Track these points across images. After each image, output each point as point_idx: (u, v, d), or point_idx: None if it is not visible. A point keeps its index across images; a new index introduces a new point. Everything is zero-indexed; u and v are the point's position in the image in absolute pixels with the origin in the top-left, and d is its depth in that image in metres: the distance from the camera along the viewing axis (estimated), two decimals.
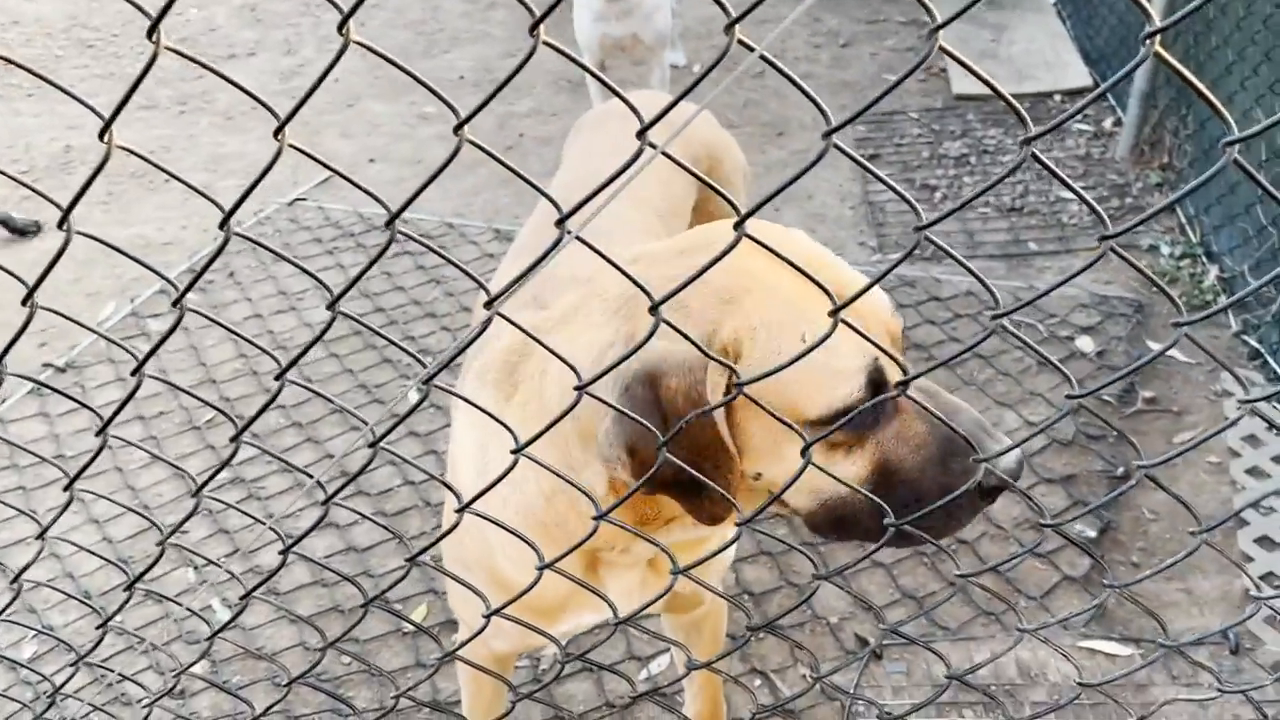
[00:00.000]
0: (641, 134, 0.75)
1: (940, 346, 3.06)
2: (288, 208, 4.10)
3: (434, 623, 2.42)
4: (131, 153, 0.79)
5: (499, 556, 1.39)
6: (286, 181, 4.36)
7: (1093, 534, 2.47)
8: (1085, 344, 3.01)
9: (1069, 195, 3.68)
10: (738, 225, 0.84)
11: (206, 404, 1.06)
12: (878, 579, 2.43)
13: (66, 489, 1.04)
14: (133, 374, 0.94)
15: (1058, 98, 4.29)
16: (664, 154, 0.83)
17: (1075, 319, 3.11)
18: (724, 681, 2.19)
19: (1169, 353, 2.95)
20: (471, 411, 1.44)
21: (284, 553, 1.07)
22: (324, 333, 0.91)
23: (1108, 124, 4.06)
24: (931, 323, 3.16)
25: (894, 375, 1.10)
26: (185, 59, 0.72)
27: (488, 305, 0.84)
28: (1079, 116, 4.11)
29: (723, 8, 0.72)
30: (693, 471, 1.03)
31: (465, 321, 3.37)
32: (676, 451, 1.02)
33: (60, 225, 0.78)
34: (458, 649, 1.36)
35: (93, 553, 1.54)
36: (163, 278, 0.89)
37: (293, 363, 0.92)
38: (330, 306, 0.86)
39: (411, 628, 2.40)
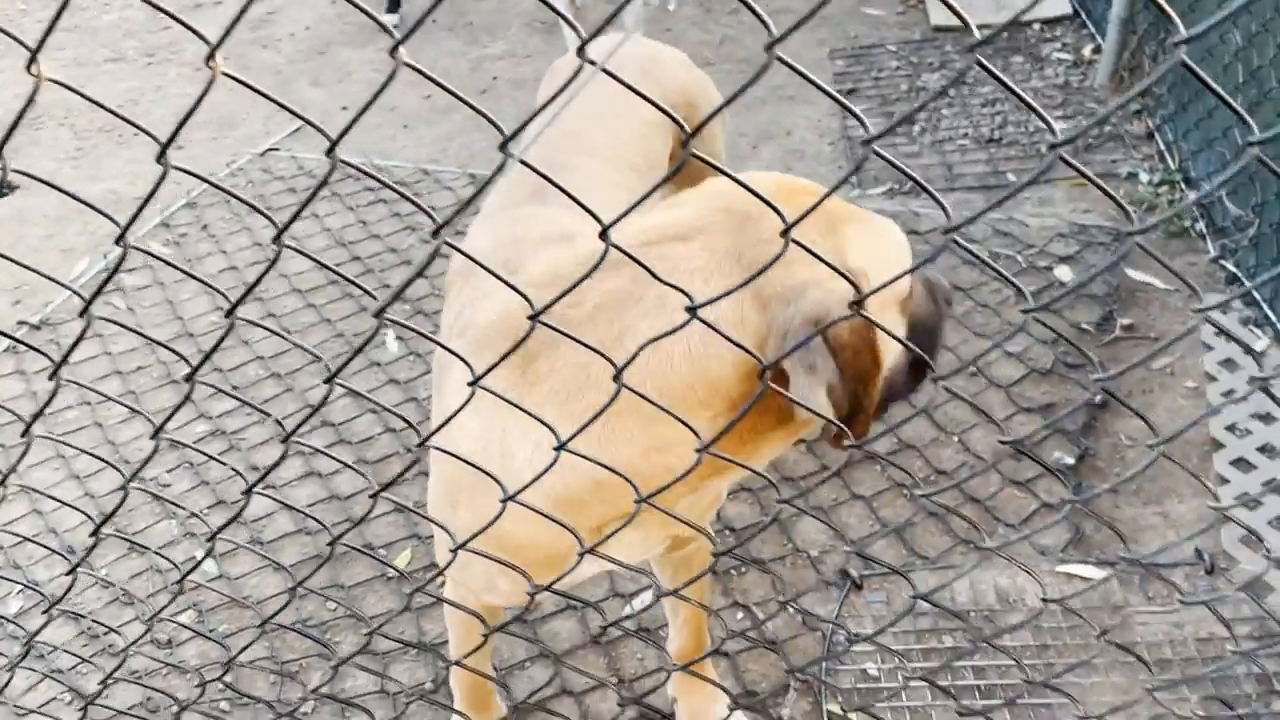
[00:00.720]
0: (581, 50, 0.73)
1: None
2: (260, 158, 4.04)
3: (417, 567, 2.43)
4: (100, 105, 0.78)
5: (506, 523, 1.25)
6: (259, 132, 4.29)
7: (1070, 461, 2.48)
8: (1064, 273, 3.00)
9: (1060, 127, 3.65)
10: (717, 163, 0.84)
11: (175, 351, 1.04)
12: (857, 511, 2.44)
13: (24, 434, 1.03)
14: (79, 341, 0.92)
15: (1036, 26, 4.24)
16: (645, 102, 0.81)
17: (1054, 249, 3.10)
18: (707, 616, 2.22)
19: (1147, 279, 2.95)
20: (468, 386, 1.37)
21: (246, 493, 1.07)
22: (267, 273, 0.89)
23: (1087, 52, 4.01)
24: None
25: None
26: (153, 8, 0.70)
27: (434, 234, 0.82)
28: (1058, 45, 4.07)
29: None
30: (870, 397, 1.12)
31: (442, 269, 3.34)
32: (849, 382, 1.07)
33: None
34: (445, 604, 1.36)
35: (73, 506, 1.54)
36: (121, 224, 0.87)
37: (240, 301, 0.91)
38: (275, 240, 0.84)
39: (396, 573, 2.42)
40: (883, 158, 0.79)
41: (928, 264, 0.91)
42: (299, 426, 1.00)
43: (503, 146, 0.77)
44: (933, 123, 3.76)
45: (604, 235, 0.84)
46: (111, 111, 0.81)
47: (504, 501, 1.07)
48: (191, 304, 3.32)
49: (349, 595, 2.38)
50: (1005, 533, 2.35)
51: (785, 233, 0.84)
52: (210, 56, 0.72)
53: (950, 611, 1.75)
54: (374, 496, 1.07)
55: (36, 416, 1.06)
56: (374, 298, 0.91)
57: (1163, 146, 3.40)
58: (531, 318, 0.91)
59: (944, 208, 0.81)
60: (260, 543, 2.53)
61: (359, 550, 1.40)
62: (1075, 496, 1.06)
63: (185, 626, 2.14)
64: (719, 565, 2.36)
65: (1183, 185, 3.24)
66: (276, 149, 4.10)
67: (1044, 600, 1.21)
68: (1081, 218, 3.23)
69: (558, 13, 0.79)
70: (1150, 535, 2.33)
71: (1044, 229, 3.18)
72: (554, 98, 0.77)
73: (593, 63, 0.73)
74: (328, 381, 0.95)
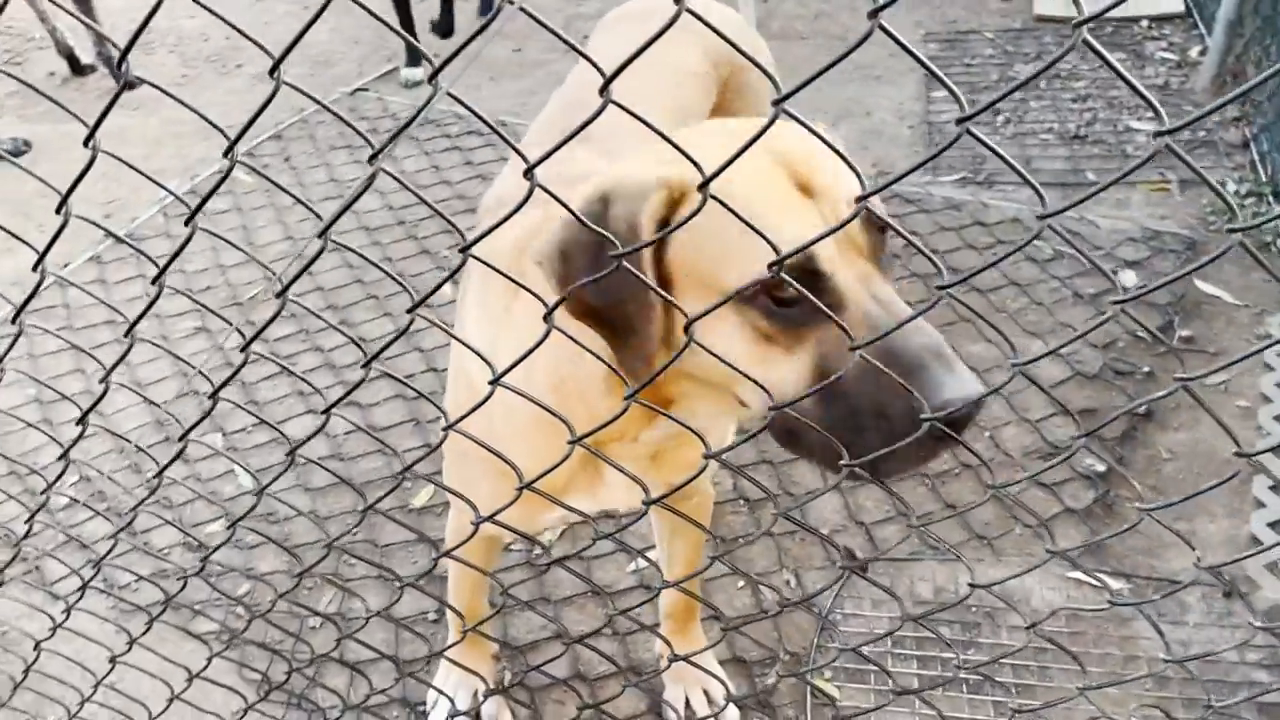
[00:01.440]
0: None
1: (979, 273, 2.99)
2: (349, 97, 4.16)
3: (437, 502, 2.50)
4: (226, 22, 0.82)
5: (504, 446, 1.29)
6: (352, 73, 4.41)
7: (1101, 469, 2.42)
8: (1128, 278, 2.91)
9: (1138, 126, 3.53)
10: (776, 103, 0.75)
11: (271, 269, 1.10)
12: (875, 495, 2.43)
13: (126, 334, 1.10)
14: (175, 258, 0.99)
15: (1145, 23, 4.08)
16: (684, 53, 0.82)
17: (1122, 252, 3.01)
18: (704, 582, 2.24)
19: (1215, 293, 2.84)
20: (482, 305, 1.44)
21: (325, 411, 1.12)
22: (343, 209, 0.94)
23: (1193, 53, 3.85)
24: (972, 247, 3.09)
25: (839, 267, 1.00)
26: None
27: (526, 174, 0.85)
28: (1164, 44, 3.91)
29: None
30: (613, 311, 1.05)
31: None
32: (606, 287, 0.97)
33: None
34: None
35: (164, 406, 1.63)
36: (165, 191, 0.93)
37: (330, 224, 0.93)
38: (372, 159, 0.86)
39: (415, 506, 2.50)
40: (976, 138, 0.73)
41: (1015, 253, 0.87)
42: (379, 352, 1.04)
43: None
44: (1019, 114, 3.66)
45: (529, 174, 0.86)
46: (236, 28, 0.84)
47: (491, 384, 1.05)
48: (266, 231, 3.46)
49: (369, 520, 2.46)
50: (1022, 532, 2.32)
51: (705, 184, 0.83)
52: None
53: (951, 606, 1.73)
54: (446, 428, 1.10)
55: (139, 319, 1.12)
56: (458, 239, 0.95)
57: (1256, 157, 3.25)
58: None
59: (1040, 193, 0.76)
60: (295, 464, 2.63)
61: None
62: (1100, 504, 1.04)
63: (260, 534, 2.26)
64: (726, 533, 2.38)
65: (1271, 199, 3.09)
66: (366, 89, 4.21)
67: (1036, 624, 1.19)
68: (1157, 224, 3.12)
69: None
70: (1174, 552, 2.26)
71: (1115, 231, 3.08)
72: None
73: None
74: (410, 310, 0.96)
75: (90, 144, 0.95)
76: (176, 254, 1.11)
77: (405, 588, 1.49)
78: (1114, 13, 4.13)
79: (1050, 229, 0.78)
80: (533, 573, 2.32)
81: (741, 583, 2.28)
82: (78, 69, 4.54)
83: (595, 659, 2.14)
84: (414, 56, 4.32)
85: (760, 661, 2.12)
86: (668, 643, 1.62)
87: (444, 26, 4.43)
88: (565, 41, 0.79)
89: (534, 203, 1.11)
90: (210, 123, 0.90)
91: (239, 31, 0.85)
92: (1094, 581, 2.18)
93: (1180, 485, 2.40)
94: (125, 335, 1.15)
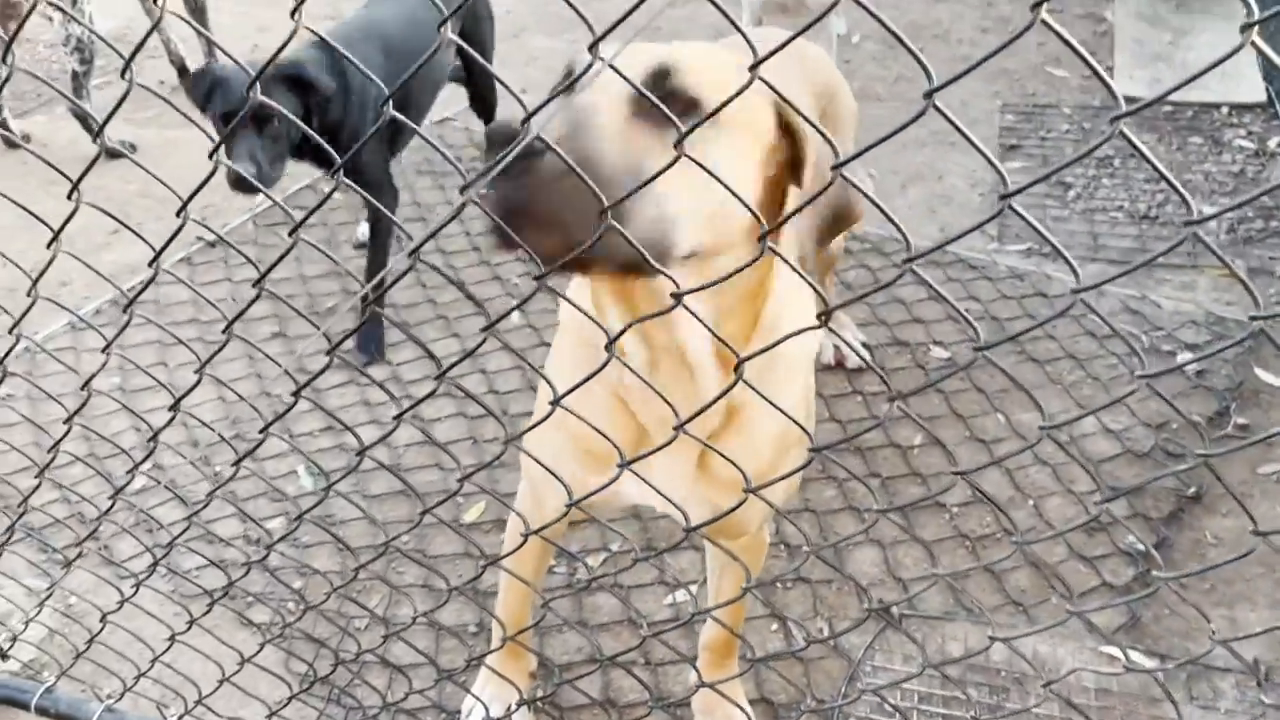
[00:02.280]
0: (754, 67, 0.78)
1: (1035, 342, 3.03)
2: (436, 125, 4.32)
3: (487, 519, 2.59)
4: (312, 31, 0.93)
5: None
6: (440, 101, 4.58)
7: (1143, 547, 2.43)
8: (1186, 360, 2.92)
9: (1210, 210, 3.53)
10: (836, 167, 0.83)
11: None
12: (915, 553, 2.46)
13: (224, 331, 1.21)
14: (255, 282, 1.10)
15: (1225, 110, 4.09)
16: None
17: (1183, 334, 3.02)
18: (741, 617, 2.29)
19: (1275, 382, 2.84)
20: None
21: (397, 417, 1.22)
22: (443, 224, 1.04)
23: (1273, 143, 3.85)
24: (1031, 317, 3.12)
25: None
26: None
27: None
28: (1243, 132, 3.92)
29: None
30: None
31: None
32: None
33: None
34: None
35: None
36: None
37: (422, 243, 1.03)
38: (463, 190, 0.96)
39: (466, 520, 2.59)
40: (1017, 213, 0.79)
41: (1051, 322, 0.94)
42: (450, 367, 1.11)
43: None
44: (1089, 190, 3.69)
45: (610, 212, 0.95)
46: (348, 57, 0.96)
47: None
48: (348, 247, 3.61)
49: (419, 531, 2.56)
50: (1059, 602, 2.33)
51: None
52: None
53: (984, 669, 1.76)
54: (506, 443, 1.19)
55: (237, 317, 1.23)
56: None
57: None
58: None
59: (1073, 268, 0.82)
60: (357, 471, 2.74)
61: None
62: (1139, 581, 1.10)
63: (323, 527, 2.36)
64: (764, 576, 2.42)
65: None
66: (453, 119, 4.37)
67: (1059, 680, 1.23)
68: (1223, 309, 3.12)
69: (735, 25, 0.82)
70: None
71: (1178, 314, 3.09)
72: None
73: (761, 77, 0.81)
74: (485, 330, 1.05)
75: (213, 156, 1.07)
76: (280, 259, 1.21)
77: (451, 598, 1.57)
78: (1195, 98, 4.16)
79: (1084, 304, 0.84)
80: (572, 594, 2.38)
81: (775, 625, 2.33)
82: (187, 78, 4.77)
83: (627, 685, 2.20)
84: None
85: (787, 705, 2.16)
86: (698, 673, 1.68)
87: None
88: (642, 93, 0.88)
89: None
90: (318, 141, 1.00)
91: (352, 61, 0.95)
92: (1123, 656, 2.19)
93: (1223, 571, 2.40)
94: (223, 332, 1.26)
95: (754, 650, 2.23)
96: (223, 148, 1.10)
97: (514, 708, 1.98)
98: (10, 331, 1.49)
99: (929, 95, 0.74)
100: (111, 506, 1.69)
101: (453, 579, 2.45)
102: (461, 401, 2.95)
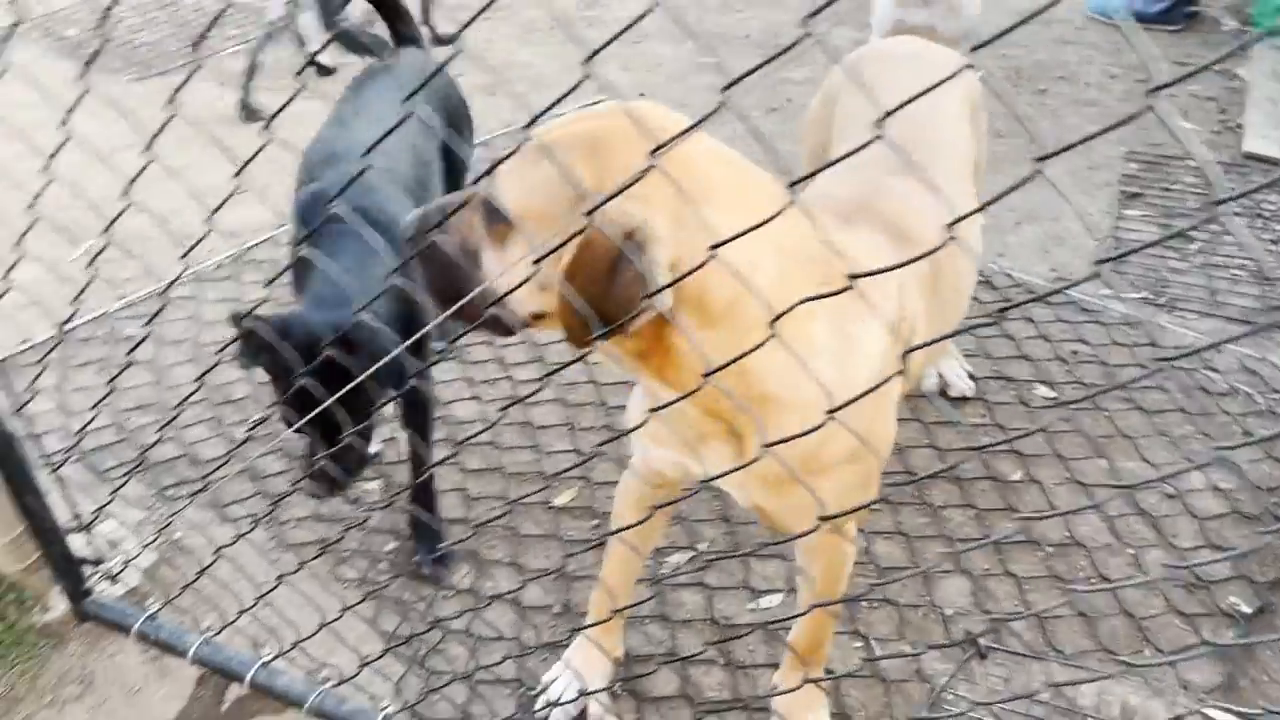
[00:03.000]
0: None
1: (1144, 393, 2.96)
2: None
3: (577, 505, 2.62)
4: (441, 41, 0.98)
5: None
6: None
7: (1248, 610, 2.36)
8: None
9: None
10: (950, 224, 0.86)
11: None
12: (1006, 587, 2.43)
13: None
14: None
15: None
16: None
17: None
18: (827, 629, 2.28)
19: None
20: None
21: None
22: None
23: None
24: (1141, 366, 3.06)
25: None
26: None
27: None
28: None
29: None
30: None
31: None
32: None
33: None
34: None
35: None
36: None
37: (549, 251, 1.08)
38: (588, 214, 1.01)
39: (556, 504, 2.62)
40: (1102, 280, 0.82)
41: (1154, 374, 0.95)
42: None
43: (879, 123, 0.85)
44: (1212, 245, 3.61)
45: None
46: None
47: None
48: None
49: (510, 509, 2.59)
50: (1153, 655, 2.28)
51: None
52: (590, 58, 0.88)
53: (1076, 711, 1.74)
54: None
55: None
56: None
57: None
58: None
59: (1153, 337, 0.83)
60: (453, 441, 2.80)
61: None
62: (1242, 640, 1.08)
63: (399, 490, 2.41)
64: (850, 590, 2.41)
65: None
66: None
67: None
68: None
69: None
70: None
71: None
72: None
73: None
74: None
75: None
76: (419, 250, 1.25)
77: (534, 578, 1.60)
78: None
79: (1202, 365, 0.84)
80: (655, 590, 2.40)
81: (859, 643, 2.31)
82: (323, 70, 4.86)
83: (705, 684, 2.20)
84: None
85: None
86: (777, 680, 1.68)
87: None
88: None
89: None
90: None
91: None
92: (1218, 716, 2.13)
93: None
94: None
95: (834, 668, 2.24)
96: None
97: (593, 688, 2.00)
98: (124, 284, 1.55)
99: (1040, 160, 0.75)
100: (232, 452, 1.75)
101: (539, 560, 2.48)
102: (561, 388, 2.98)
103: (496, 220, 1.23)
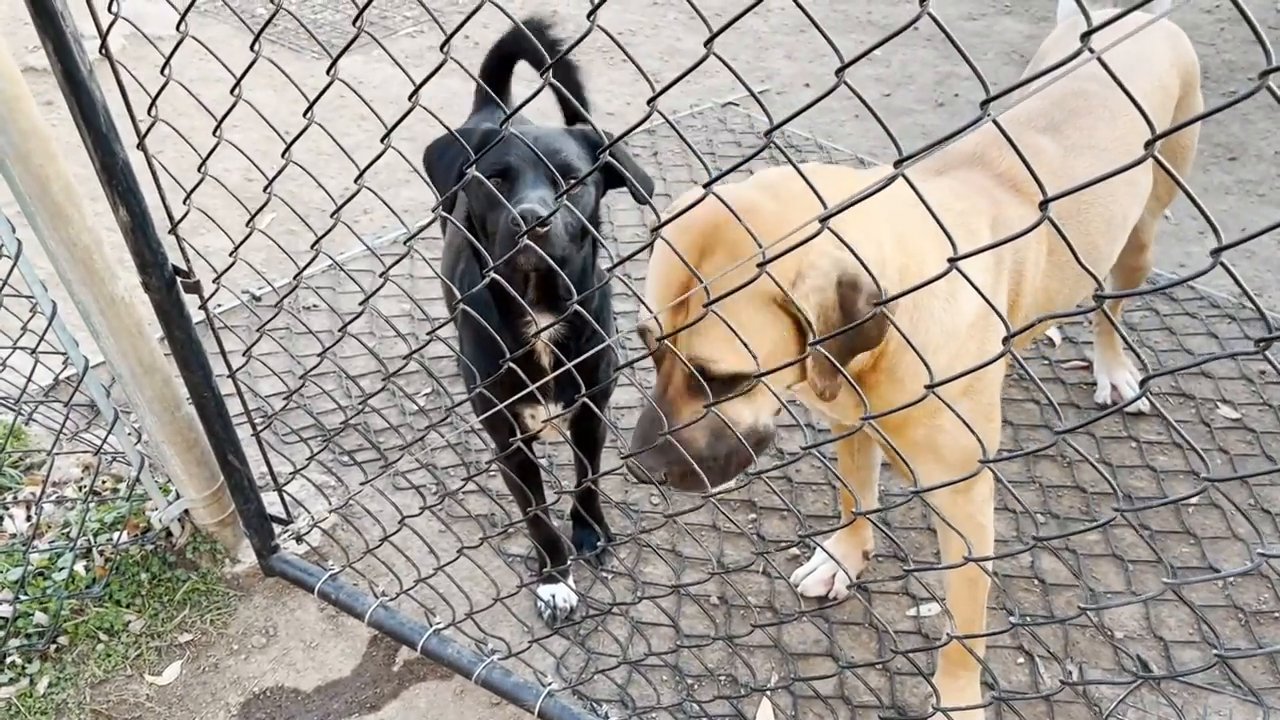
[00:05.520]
0: (1086, 36, 0.82)
1: (1224, 381, 2.80)
2: (720, 108, 4.39)
3: (737, 498, 2.63)
4: (604, 31, 0.99)
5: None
6: (725, 85, 4.65)
7: None
8: None
9: None
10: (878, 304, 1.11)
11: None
12: (1179, 613, 2.33)
13: (485, 272, 1.30)
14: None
15: None
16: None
17: None
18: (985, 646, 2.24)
19: None
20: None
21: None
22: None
23: None
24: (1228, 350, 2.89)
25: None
26: None
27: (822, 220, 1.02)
28: None
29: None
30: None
31: None
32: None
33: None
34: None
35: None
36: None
37: (664, 223, 1.10)
38: (706, 185, 1.02)
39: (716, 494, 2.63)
40: (1229, 271, 0.81)
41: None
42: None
43: (984, 104, 0.90)
44: None
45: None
46: (610, 37, 1.01)
47: None
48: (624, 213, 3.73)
49: (672, 498, 2.63)
50: None
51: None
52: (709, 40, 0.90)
53: None
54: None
55: (502, 260, 1.33)
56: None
57: None
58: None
59: (1262, 313, 0.81)
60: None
61: None
62: None
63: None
64: (1013, 606, 2.36)
65: None
66: (736, 104, 4.43)
67: None
68: None
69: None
70: None
71: None
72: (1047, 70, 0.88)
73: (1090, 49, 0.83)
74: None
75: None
76: (551, 213, 1.27)
77: (691, 565, 1.61)
78: None
79: None
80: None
81: (1021, 659, 2.26)
82: None
83: (861, 686, 2.19)
84: None
85: None
86: (937, 693, 1.66)
87: None
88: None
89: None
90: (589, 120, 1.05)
91: (615, 43, 0.98)
92: None
93: None
94: (482, 274, 1.34)
95: (997, 684, 2.19)
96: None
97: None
98: (311, 247, 1.63)
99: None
100: (425, 431, 1.81)
101: (699, 550, 2.50)
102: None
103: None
